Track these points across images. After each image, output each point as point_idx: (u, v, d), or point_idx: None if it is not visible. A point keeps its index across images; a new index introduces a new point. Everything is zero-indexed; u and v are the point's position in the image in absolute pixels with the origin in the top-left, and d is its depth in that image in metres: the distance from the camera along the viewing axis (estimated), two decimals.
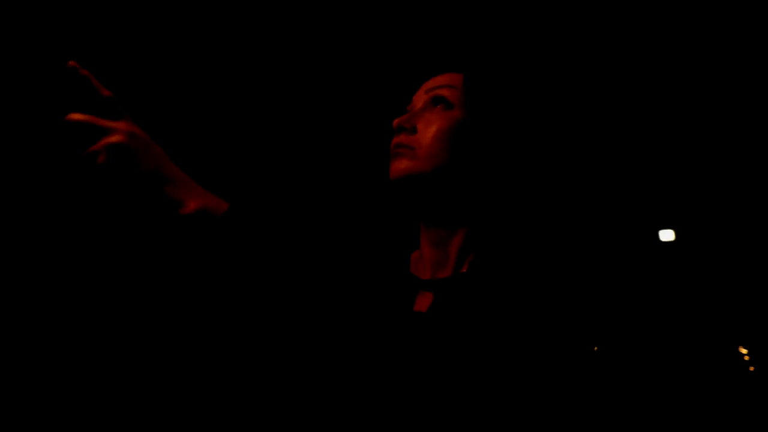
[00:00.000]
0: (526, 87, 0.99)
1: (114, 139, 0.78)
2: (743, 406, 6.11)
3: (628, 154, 4.84)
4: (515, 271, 0.89)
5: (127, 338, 3.02)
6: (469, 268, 0.92)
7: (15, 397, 2.67)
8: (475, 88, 0.95)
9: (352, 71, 3.62)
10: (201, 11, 3.13)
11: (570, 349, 0.82)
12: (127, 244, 3.03)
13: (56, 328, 2.87)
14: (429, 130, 0.92)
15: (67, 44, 2.70)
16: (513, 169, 0.94)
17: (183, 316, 3.10)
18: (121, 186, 0.79)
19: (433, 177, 0.91)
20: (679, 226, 6.13)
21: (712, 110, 4.47)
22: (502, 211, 0.95)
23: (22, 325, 2.77)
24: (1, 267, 2.74)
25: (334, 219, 3.40)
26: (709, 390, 6.00)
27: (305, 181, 3.66)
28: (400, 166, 0.92)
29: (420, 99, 0.98)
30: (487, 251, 0.93)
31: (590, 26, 3.59)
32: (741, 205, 5.68)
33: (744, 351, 7.02)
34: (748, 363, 6.98)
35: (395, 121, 0.95)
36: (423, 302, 0.92)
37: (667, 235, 6.19)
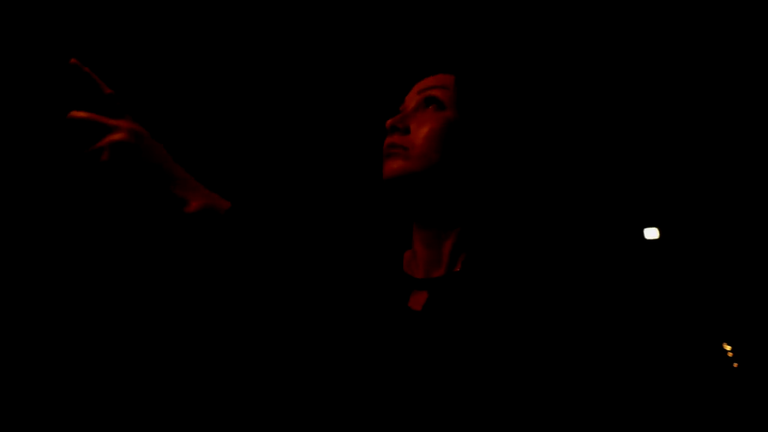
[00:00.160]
0: (518, 88, 1.00)
1: (117, 136, 0.78)
2: (727, 401, 6.18)
3: (612, 152, 4.89)
4: (508, 269, 0.90)
5: (129, 335, 3.02)
6: (462, 267, 0.92)
7: (16, 396, 2.65)
8: (466, 89, 0.96)
9: (345, 72, 3.62)
10: (200, 11, 3.14)
11: (565, 346, 0.83)
12: (130, 241, 3.02)
13: (59, 326, 2.86)
14: (422, 130, 0.93)
15: (69, 42, 2.69)
16: (505, 169, 0.95)
17: (187, 313, 3.09)
18: (124, 184, 0.79)
19: (426, 176, 0.92)
20: (663, 224, 6.17)
21: (694, 109, 4.52)
22: (494, 211, 0.95)
23: (24, 322, 2.76)
24: (4, 265, 2.72)
25: (327, 218, 3.41)
26: (693, 386, 6.06)
27: (297, 181, 3.66)
28: (394, 165, 0.93)
29: (412, 99, 0.99)
30: (480, 250, 0.93)
31: (579, 29, 3.62)
32: (726, 204, 5.75)
33: (728, 348, 7.11)
34: (732, 360, 7.07)
35: (388, 122, 0.95)
36: (417, 301, 0.93)
37: (651, 233, 6.23)
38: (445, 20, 3.42)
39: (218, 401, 3.04)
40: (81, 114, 0.77)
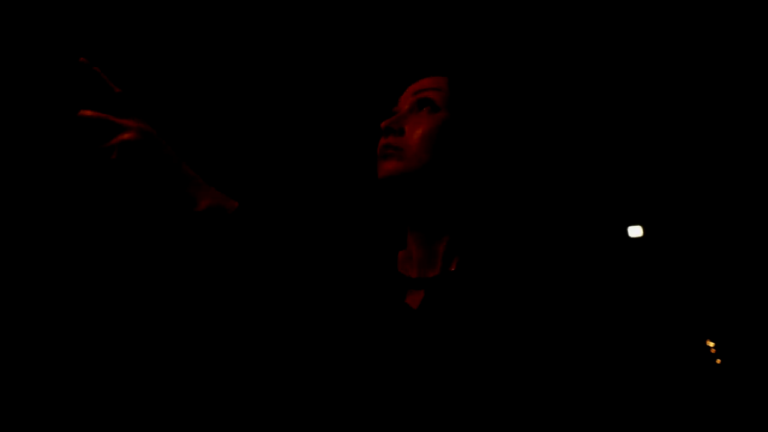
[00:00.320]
0: (511, 90, 1.01)
1: (127, 136, 0.78)
2: (710, 398, 6.26)
3: (597, 151, 4.94)
4: (503, 268, 0.91)
5: (135, 334, 3.02)
6: (457, 267, 0.93)
7: (17, 394, 2.65)
8: (460, 90, 0.97)
9: (339, 74, 3.63)
10: (201, 12, 3.15)
11: (560, 343, 0.84)
12: (138, 240, 3.02)
13: (67, 322, 2.86)
14: (416, 131, 0.94)
15: (78, 42, 2.68)
16: (498, 170, 0.96)
17: (193, 312, 3.09)
18: (133, 183, 0.79)
19: (420, 177, 0.93)
20: (647, 223, 6.24)
21: (678, 109, 4.58)
22: (488, 211, 0.96)
23: (30, 319, 2.76)
24: (15, 263, 2.71)
25: (323, 218, 3.41)
26: (677, 383, 6.13)
27: (293, 182, 3.67)
28: (389, 166, 0.93)
29: (406, 101, 0.99)
30: (474, 250, 0.94)
31: (571, 31, 3.66)
32: (709, 202, 5.82)
33: (711, 344, 7.20)
34: (715, 356, 7.17)
35: (383, 123, 0.96)
36: (413, 300, 0.93)
37: (635, 231, 6.29)
38: (439, 22, 3.44)
39: (218, 401, 3.04)
40: (90, 113, 0.77)
